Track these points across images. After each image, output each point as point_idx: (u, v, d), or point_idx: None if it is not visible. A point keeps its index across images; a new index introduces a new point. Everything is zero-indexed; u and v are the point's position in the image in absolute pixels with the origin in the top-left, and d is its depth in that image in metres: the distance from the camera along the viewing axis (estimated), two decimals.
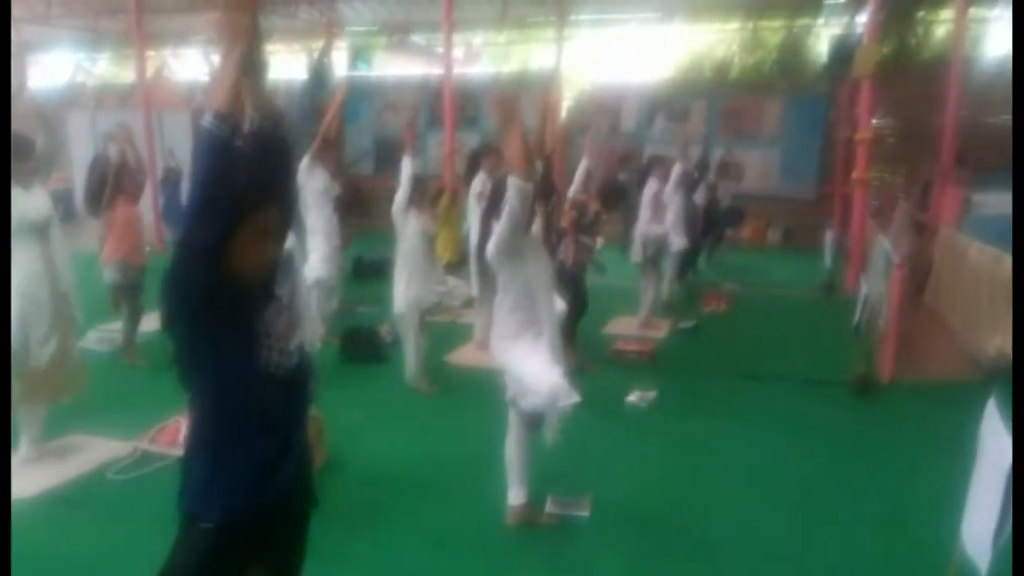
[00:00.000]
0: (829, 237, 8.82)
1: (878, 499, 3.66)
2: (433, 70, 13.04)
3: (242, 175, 1.56)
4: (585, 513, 3.46)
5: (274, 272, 1.81)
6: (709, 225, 8.83)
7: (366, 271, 8.68)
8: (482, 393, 4.43)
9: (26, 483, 3.62)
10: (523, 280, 3.21)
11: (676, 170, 6.99)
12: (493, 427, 3.50)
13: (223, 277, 1.60)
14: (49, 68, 15.76)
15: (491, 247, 3.19)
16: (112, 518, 3.42)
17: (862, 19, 8.74)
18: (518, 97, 3.39)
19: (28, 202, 3.61)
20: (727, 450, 4.24)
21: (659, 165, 6.96)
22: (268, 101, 1.67)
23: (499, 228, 3.10)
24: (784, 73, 12.12)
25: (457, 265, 5.96)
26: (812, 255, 9.98)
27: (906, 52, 11.16)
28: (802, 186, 11.83)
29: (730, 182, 9.89)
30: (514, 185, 3.00)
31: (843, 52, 8.56)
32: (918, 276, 6.93)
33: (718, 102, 12.22)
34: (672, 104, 12.42)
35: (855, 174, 7.88)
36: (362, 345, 5.81)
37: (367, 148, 14.12)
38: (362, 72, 14.20)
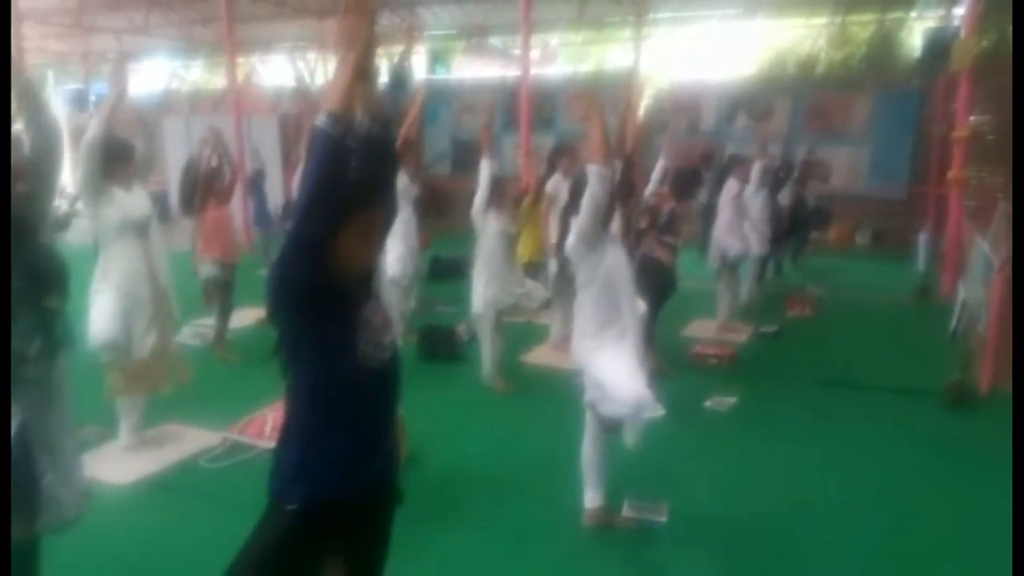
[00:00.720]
0: (923, 239, 8.43)
1: (973, 516, 3.47)
2: (510, 72, 13.11)
3: (352, 174, 1.62)
4: (663, 519, 3.41)
5: (374, 269, 1.88)
6: (794, 227, 8.55)
7: (444, 271, 8.80)
8: (557, 393, 4.43)
9: (127, 469, 3.83)
10: (603, 277, 3.18)
11: (756, 169, 6.80)
12: (568, 427, 3.50)
13: (328, 271, 1.66)
14: (147, 76, 16.62)
15: (571, 239, 3.18)
16: (204, 504, 3.58)
17: (959, 11, 8.32)
18: (598, 91, 3.39)
19: (129, 202, 3.81)
20: (811, 460, 4.10)
21: (739, 165, 6.78)
22: (379, 106, 1.74)
23: (580, 217, 3.09)
24: (874, 68, 11.66)
25: (536, 267, 5.96)
26: (902, 258, 9.57)
27: (1006, 44, 10.55)
28: (892, 186, 11.34)
29: (816, 182, 9.56)
30: (594, 172, 2.99)
31: (939, 46, 8.18)
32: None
33: (803, 99, 11.84)
34: (754, 102, 12.10)
35: (951, 173, 7.51)
36: (439, 344, 5.89)
37: (445, 150, 14.31)
38: (440, 75, 14.41)
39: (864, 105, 11.50)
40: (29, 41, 12.29)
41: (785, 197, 8.08)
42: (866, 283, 8.95)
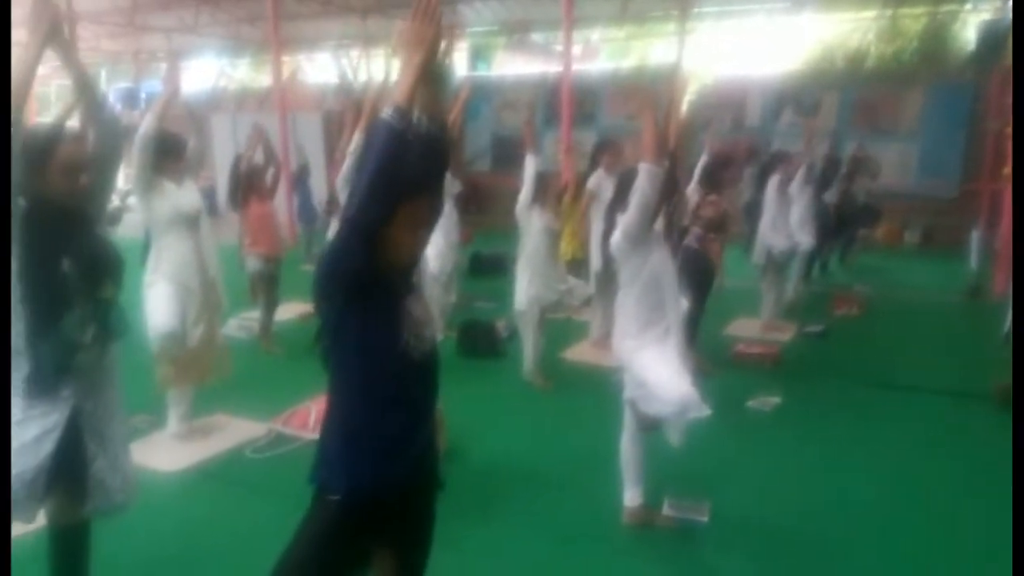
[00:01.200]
0: (975, 237, 8.18)
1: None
2: (551, 68, 13.09)
3: (409, 167, 1.66)
4: (704, 519, 3.38)
5: (417, 262, 1.91)
6: (840, 224, 8.38)
7: (484, 267, 8.83)
8: (598, 390, 4.41)
9: (175, 457, 3.93)
10: (648, 275, 3.15)
11: (802, 166, 6.67)
12: (609, 424, 3.48)
13: (379, 259, 1.70)
14: (195, 74, 16.99)
15: (617, 236, 3.16)
16: (249, 493, 3.65)
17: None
18: (649, 88, 3.37)
19: (180, 196, 3.90)
20: (856, 462, 4.02)
21: (784, 161, 6.67)
22: (439, 108, 1.80)
23: (627, 214, 3.06)
24: (926, 62, 11.36)
25: (578, 263, 5.94)
26: (953, 257, 9.30)
27: None
28: (943, 183, 11.04)
29: (864, 179, 9.35)
30: (645, 169, 2.97)
31: (993, 38, 7.94)
32: None
33: (851, 94, 11.59)
34: (800, 97, 11.88)
35: (1006, 169, 7.27)
36: (479, 339, 5.92)
37: (485, 146, 14.35)
38: (481, 72, 14.45)
39: (915, 100, 11.21)
40: (83, 41, 12.66)
41: (832, 194, 7.92)
42: (916, 282, 8.73)
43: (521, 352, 5.24)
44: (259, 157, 5.88)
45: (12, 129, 2.03)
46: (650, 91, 3.14)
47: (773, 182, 6.43)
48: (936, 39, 11.53)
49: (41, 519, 2.35)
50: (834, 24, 12.49)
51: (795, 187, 6.57)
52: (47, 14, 2.13)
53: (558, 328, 6.08)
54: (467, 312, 6.70)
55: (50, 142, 2.21)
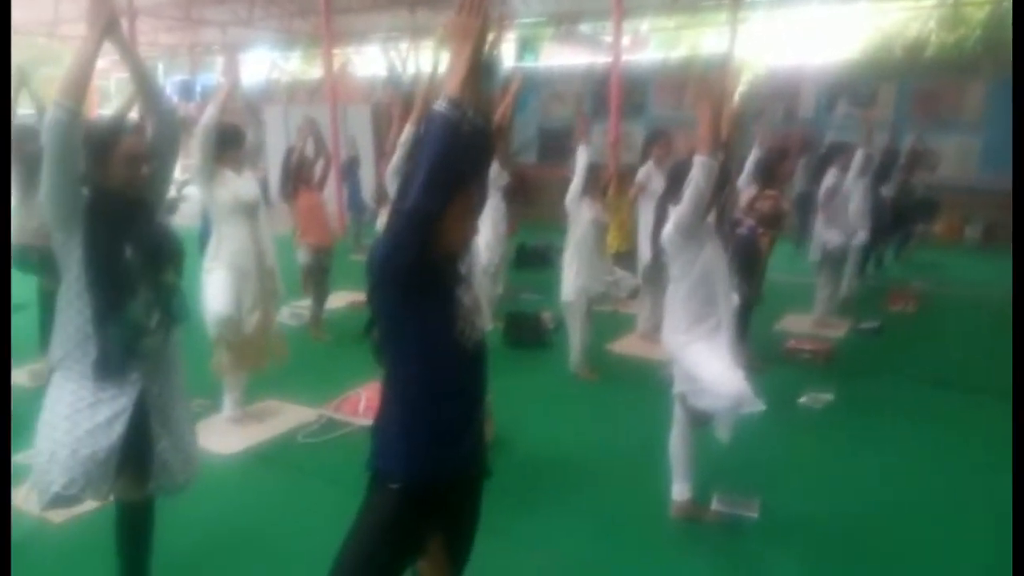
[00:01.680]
0: None
1: None
2: (599, 58, 12.98)
3: (462, 158, 1.68)
4: (754, 515, 3.34)
5: (467, 252, 1.93)
6: (898, 218, 8.14)
7: (529, 258, 8.83)
8: (644, 383, 4.40)
9: (229, 440, 4.04)
10: (700, 269, 3.12)
11: (858, 158, 6.49)
12: (655, 417, 3.47)
13: (432, 249, 1.72)
14: (250, 66, 17.33)
15: (669, 229, 3.13)
16: (301, 476, 3.74)
17: None
18: (708, 79, 3.31)
19: (240, 185, 4.00)
20: (910, 461, 3.93)
21: (840, 153, 6.50)
22: (485, 100, 1.81)
23: (681, 207, 3.03)
24: (989, 52, 10.94)
25: (626, 256, 5.90)
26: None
27: None
28: (1006, 176, 10.57)
29: (923, 172, 9.06)
30: (700, 162, 2.93)
31: None
32: None
33: (910, 85, 11.24)
34: (856, 88, 11.56)
35: None
36: (525, 331, 5.93)
37: (532, 138, 14.32)
38: (529, 63, 14.41)
39: (977, 91, 10.81)
40: (142, 35, 13.01)
41: (889, 188, 7.71)
42: (975, 278, 8.45)
43: (567, 344, 5.24)
44: (310, 149, 5.97)
45: (72, 121, 2.08)
46: (706, 82, 3.09)
47: (830, 175, 6.28)
48: (1000, 27, 11.10)
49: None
50: (892, 12, 12.12)
51: (851, 180, 6.41)
52: (105, 9, 2.18)
53: (604, 320, 6.05)
54: (513, 303, 6.72)
55: (112, 134, 2.28)
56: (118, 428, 2.26)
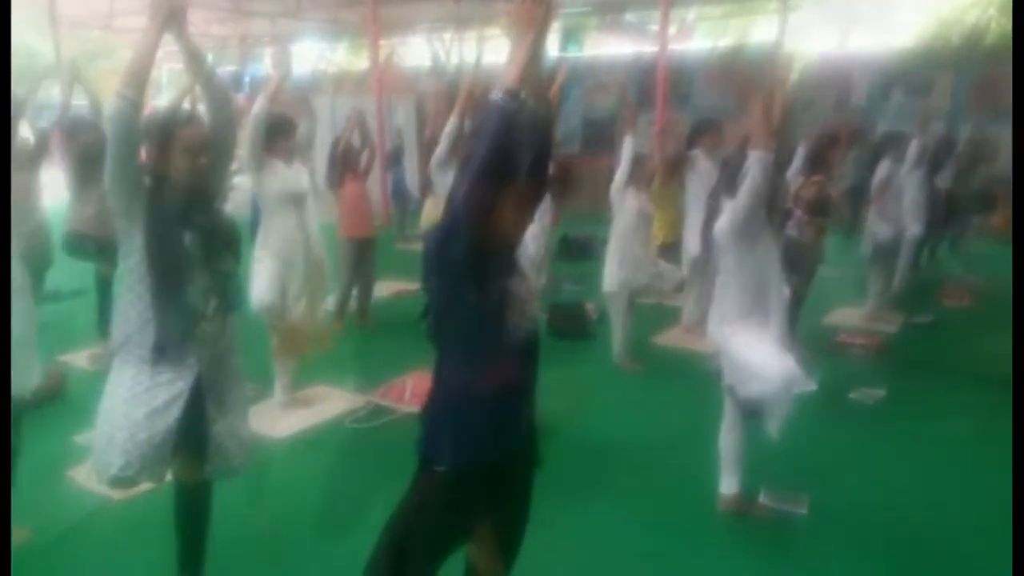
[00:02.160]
0: None
1: None
2: (644, 48, 12.84)
3: (519, 149, 1.68)
4: (803, 511, 3.29)
5: (520, 242, 1.93)
6: (953, 211, 7.89)
7: (572, 249, 8.80)
8: (689, 375, 4.36)
9: (280, 425, 4.12)
10: (753, 263, 3.08)
11: (913, 148, 6.31)
12: (700, 410, 3.45)
13: (487, 239, 1.73)
14: (297, 57, 17.54)
15: (724, 223, 3.09)
16: (350, 461, 3.81)
17: None
18: (755, 69, 3.26)
19: (289, 175, 4.06)
20: (964, 460, 3.82)
21: (894, 143, 6.33)
22: (544, 89, 1.82)
23: (736, 203, 2.99)
24: None
25: (671, 247, 5.84)
26: None
27: None
28: None
29: (980, 163, 8.77)
30: (756, 158, 2.89)
31: None
32: None
33: (968, 73, 10.87)
34: (911, 76, 11.23)
35: None
36: (569, 321, 5.92)
37: (575, 128, 14.25)
38: (573, 53, 14.32)
39: None
40: (193, 26, 13.26)
41: (945, 179, 7.48)
42: None
43: (610, 335, 5.21)
44: (356, 139, 6.03)
45: (133, 111, 2.13)
46: (754, 76, 3.05)
47: (883, 166, 6.12)
48: None
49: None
50: None
51: (905, 171, 6.24)
52: (166, 1, 2.23)
53: (648, 313, 6.01)
54: (555, 294, 6.71)
55: (171, 125, 2.34)
56: (175, 412, 2.32)
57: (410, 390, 4.35)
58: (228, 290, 2.47)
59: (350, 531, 3.03)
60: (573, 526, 3.17)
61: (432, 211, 6.50)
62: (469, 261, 1.73)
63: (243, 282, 2.61)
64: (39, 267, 4.80)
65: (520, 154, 1.71)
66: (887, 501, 3.43)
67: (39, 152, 4.94)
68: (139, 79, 2.18)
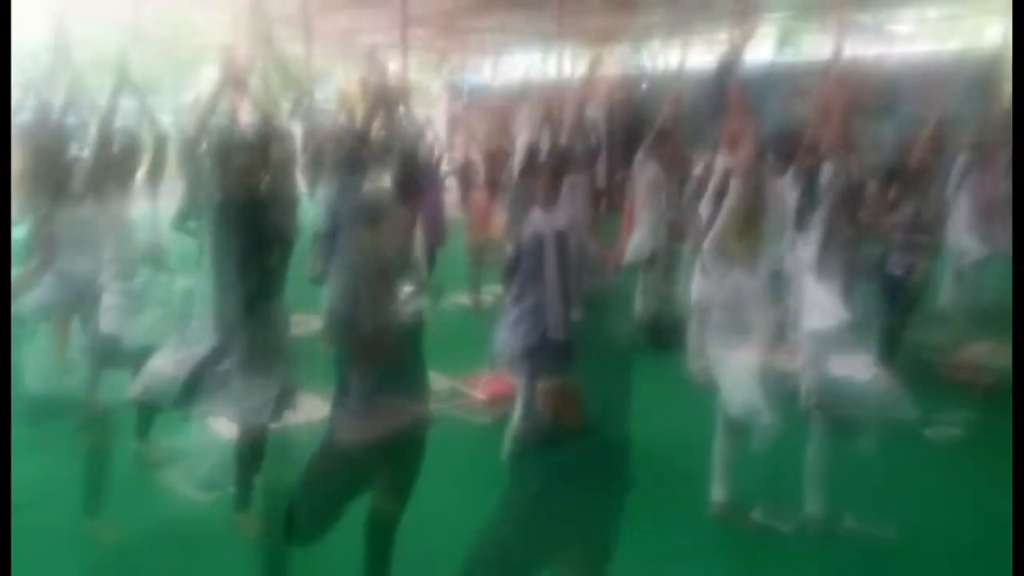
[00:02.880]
0: None
1: None
2: (878, 50, 11.88)
3: None
4: (788, 528, 3.38)
5: None
6: None
7: None
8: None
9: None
10: (733, 284, 3.34)
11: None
12: (701, 413, 3.53)
13: None
14: (508, 67, 18.62)
15: (707, 242, 3.40)
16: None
17: None
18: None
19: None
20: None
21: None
22: None
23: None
24: None
25: None
26: None
27: None
28: None
29: None
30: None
31: None
32: None
33: None
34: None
35: None
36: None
37: (767, 139, 13.66)
38: (788, 57, 13.74)
39: None
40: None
41: None
42: None
43: None
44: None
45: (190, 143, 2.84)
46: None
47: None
48: None
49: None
50: None
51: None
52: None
53: None
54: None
55: (233, 151, 3.01)
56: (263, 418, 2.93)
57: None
58: (273, 281, 3.16)
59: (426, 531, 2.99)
60: None
61: None
62: None
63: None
64: None
65: None
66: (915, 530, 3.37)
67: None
68: (200, 121, 2.95)
